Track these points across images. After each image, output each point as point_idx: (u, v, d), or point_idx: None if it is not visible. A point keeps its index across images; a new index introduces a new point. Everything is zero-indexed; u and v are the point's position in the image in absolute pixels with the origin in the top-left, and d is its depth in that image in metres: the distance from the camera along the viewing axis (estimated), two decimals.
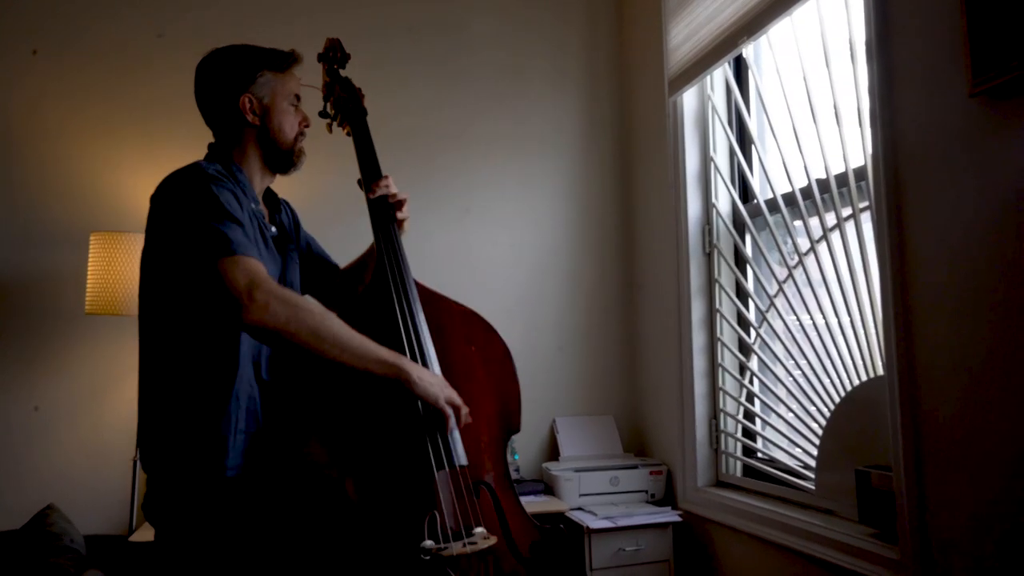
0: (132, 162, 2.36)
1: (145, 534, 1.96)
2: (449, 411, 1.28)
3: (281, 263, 1.41)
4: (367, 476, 1.27)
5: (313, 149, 1.90)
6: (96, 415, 2.30)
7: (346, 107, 1.60)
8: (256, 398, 1.29)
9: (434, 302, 1.46)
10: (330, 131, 1.68)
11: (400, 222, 1.51)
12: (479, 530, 1.29)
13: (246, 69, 1.38)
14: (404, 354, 1.32)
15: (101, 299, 2.11)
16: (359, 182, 1.55)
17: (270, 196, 1.50)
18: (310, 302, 1.22)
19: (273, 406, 1.31)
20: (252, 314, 1.14)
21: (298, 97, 1.45)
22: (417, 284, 1.45)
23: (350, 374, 1.23)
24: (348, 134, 1.62)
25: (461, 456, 1.32)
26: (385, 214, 1.48)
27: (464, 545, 1.23)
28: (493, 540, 1.28)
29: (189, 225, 1.21)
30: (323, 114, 1.66)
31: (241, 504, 1.25)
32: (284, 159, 1.43)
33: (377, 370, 1.22)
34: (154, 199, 1.29)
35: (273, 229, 1.43)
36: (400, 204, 1.50)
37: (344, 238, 1.73)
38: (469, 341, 1.47)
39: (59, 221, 2.32)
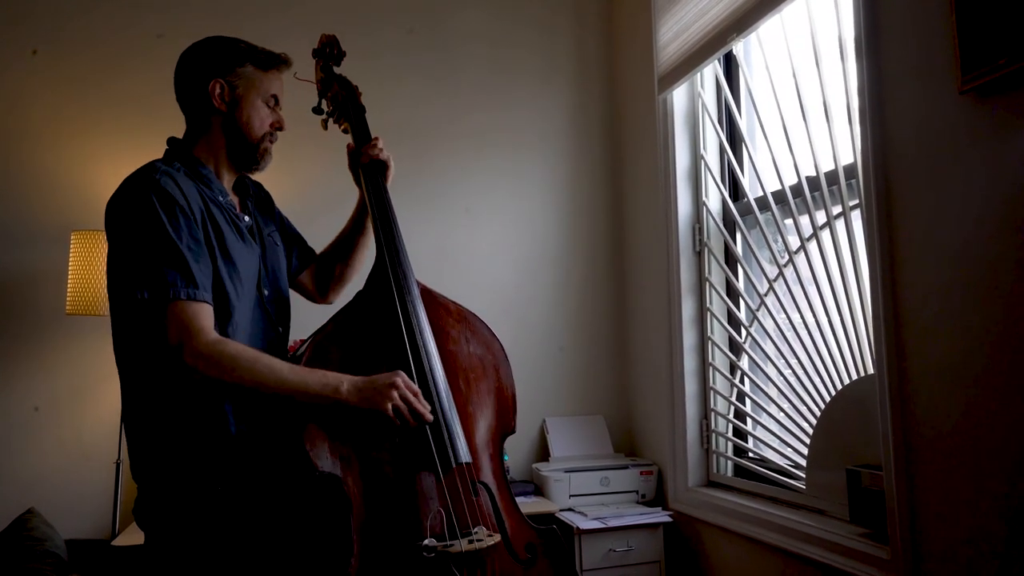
0: (114, 160, 2.32)
1: (128, 538, 1.92)
2: (393, 414, 1.25)
3: (260, 251, 1.39)
4: (367, 475, 1.26)
5: (303, 140, 1.88)
6: (78, 417, 2.26)
7: (345, 105, 1.59)
8: (244, 397, 1.26)
9: (431, 300, 1.46)
10: (325, 128, 1.67)
11: (387, 173, 1.56)
12: (480, 528, 1.29)
13: (227, 58, 1.36)
14: (406, 353, 1.32)
15: (82, 299, 2.07)
16: (348, 147, 1.57)
17: (241, 183, 1.45)
18: (239, 355, 1.21)
19: (269, 401, 1.29)
20: (185, 368, 1.18)
21: (276, 99, 1.41)
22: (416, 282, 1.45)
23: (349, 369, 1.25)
24: (345, 131, 1.60)
25: (464, 454, 1.33)
26: (377, 178, 1.51)
27: (470, 542, 1.24)
28: (497, 538, 1.29)
29: (131, 262, 1.21)
30: (316, 110, 1.64)
31: (238, 507, 1.23)
32: (247, 153, 1.38)
33: (318, 401, 1.23)
34: (106, 215, 1.26)
35: (247, 219, 1.40)
36: (386, 160, 1.56)
37: (334, 228, 1.70)
38: (466, 341, 1.47)
39: (39, 220, 2.28)
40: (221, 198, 1.33)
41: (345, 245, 1.63)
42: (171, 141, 1.38)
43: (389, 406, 1.25)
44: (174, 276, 1.18)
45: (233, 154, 1.38)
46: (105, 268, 2.00)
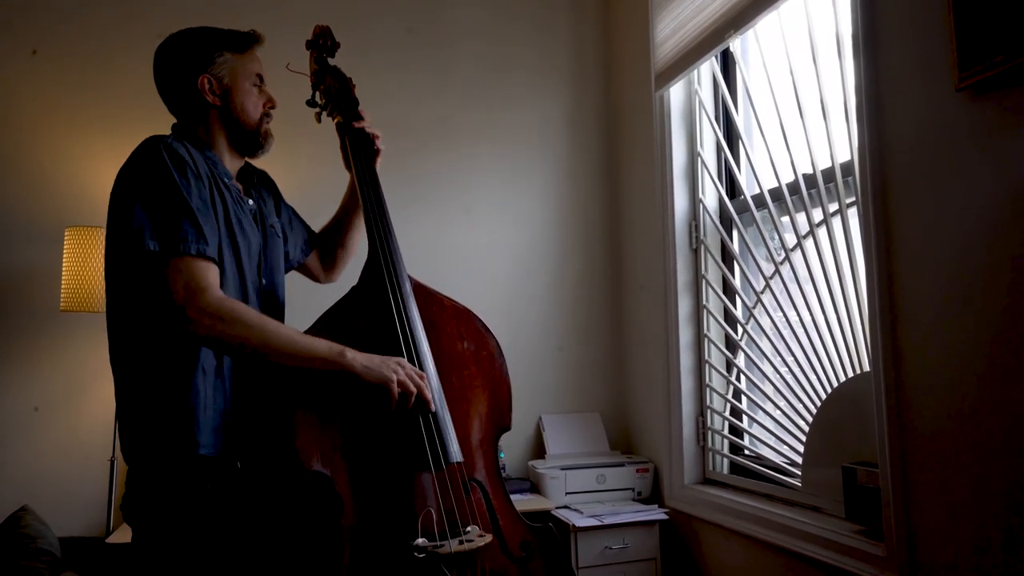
0: (108, 157, 2.30)
1: (122, 536, 1.92)
2: (397, 392, 1.22)
3: (261, 236, 1.39)
4: (359, 473, 1.25)
5: (303, 135, 1.88)
6: (72, 414, 2.25)
7: (338, 97, 1.57)
8: (225, 376, 1.25)
9: (426, 297, 1.45)
10: (319, 121, 1.65)
11: (377, 157, 1.55)
12: (473, 528, 1.28)
13: (204, 50, 1.35)
14: (399, 349, 1.30)
15: (76, 296, 2.06)
16: (338, 125, 1.56)
17: (245, 172, 1.46)
18: (245, 313, 1.19)
19: (255, 388, 1.28)
20: (188, 325, 1.15)
21: (261, 78, 1.42)
22: (409, 278, 1.44)
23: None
24: (338, 123, 1.58)
25: (455, 453, 1.31)
26: (367, 150, 1.51)
27: (461, 542, 1.23)
28: (489, 538, 1.28)
29: (141, 215, 1.18)
30: (311, 103, 1.62)
31: (224, 501, 1.22)
32: (250, 140, 1.40)
33: (321, 367, 1.21)
34: (115, 181, 1.25)
35: (250, 202, 1.40)
36: (375, 136, 1.55)
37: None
38: (461, 337, 1.46)
39: (33, 216, 2.26)
40: (226, 179, 1.34)
41: (341, 225, 1.66)
42: (175, 127, 1.39)
43: (395, 378, 1.22)
44: (186, 230, 1.17)
45: (236, 143, 1.39)
46: (101, 266, 2.05)
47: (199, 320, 1.14)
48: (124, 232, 1.21)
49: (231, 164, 1.40)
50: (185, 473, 1.20)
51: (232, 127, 1.37)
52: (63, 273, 2.10)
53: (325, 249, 1.66)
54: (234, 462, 1.24)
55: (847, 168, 1.74)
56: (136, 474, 1.23)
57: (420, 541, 1.21)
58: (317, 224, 1.70)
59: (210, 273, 1.19)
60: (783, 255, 1.98)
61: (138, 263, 1.19)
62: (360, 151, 1.52)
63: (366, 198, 1.48)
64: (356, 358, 1.22)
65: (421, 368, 1.32)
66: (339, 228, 1.66)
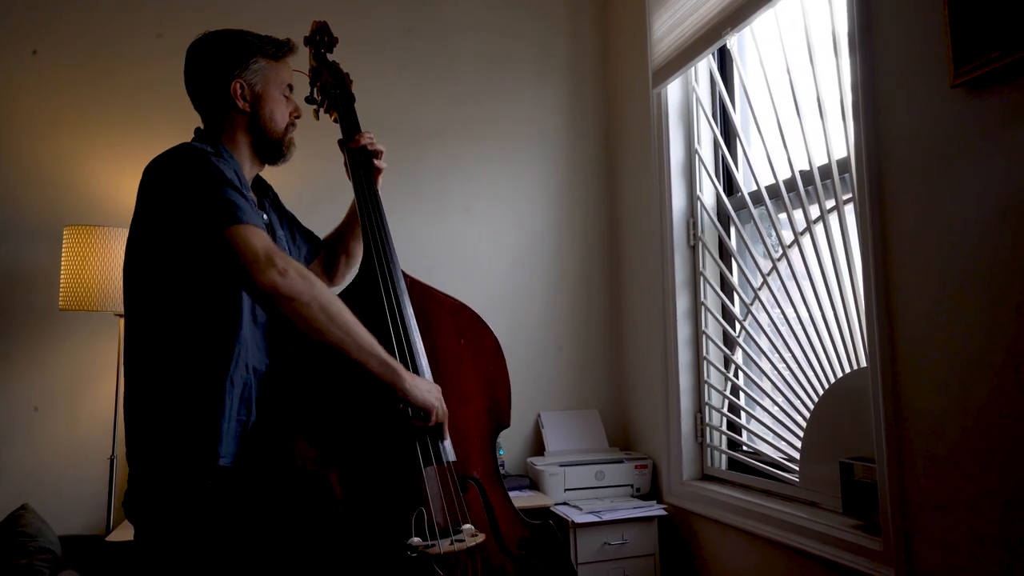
0: (107, 155, 2.31)
1: (122, 534, 1.92)
2: (442, 419, 1.28)
3: None
4: (353, 473, 1.26)
5: (301, 130, 1.89)
6: (71, 413, 2.25)
7: (333, 93, 1.57)
8: (251, 385, 1.26)
9: (423, 293, 1.45)
10: (317, 118, 1.65)
11: (378, 174, 1.54)
12: (467, 527, 1.28)
13: (240, 54, 1.36)
14: (392, 348, 1.31)
15: (75, 295, 2.06)
16: (339, 142, 1.55)
17: (258, 183, 1.47)
18: (322, 283, 1.21)
19: (264, 396, 1.28)
20: (267, 278, 1.12)
21: (291, 87, 1.42)
22: (405, 275, 1.44)
23: (344, 368, 1.22)
24: (335, 121, 1.59)
25: (449, 452, 1.32)
26: (367, 166, 1.51)
27: (452, 543, 1.23)
28: (481, 537, 1.28)
29: (193, 194, 1.17)
30: (310, 100, 1.63)
31: (226, 501, 1.22)
32: (274, 149, 1.41)
33: (374, 368, 1.21)
34: (147, 175, 1.24)
35: (264, 216, 1.41)
36: (378, 153, 1.54)
37: (333, 215, 1.70)
38: (459, 334, 1.46)
39: (31, 215, 2.26)
40: (244, 191, 1.34)
41: (343, 237, 1.66)
42: (199, 131, 1.39)
43: (438, 407, 1.27)
44: (244, 205, 1.17)
45: (259, 150, 1.40)
46: (100, 264, 2.05)
47: (285, 269, 1.13)
48: (177, 217, 1.19)
49: (250, 171, 1.41)
50: (196, 479, 1.20)
51: (258, 135, 1.38)
52: (62, 272, 2.10)
53: (329, 256, 1.67)
54: (245, 470, 1.24)
55: (844, 165, 1.75)
56: (142, 476, 1.23)
57: (414, 541, 1.21)
58: (318, 215, 1.69)
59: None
60: (780, 252, 1.98)
61: (190, 245, 1.17)
62: (359, 167, 1.51)
63: (359, 198, 1.48)
64: (406, 376, 1.24)
65: (414, 365, 1.33)
66: (342, 238, 1.66)
